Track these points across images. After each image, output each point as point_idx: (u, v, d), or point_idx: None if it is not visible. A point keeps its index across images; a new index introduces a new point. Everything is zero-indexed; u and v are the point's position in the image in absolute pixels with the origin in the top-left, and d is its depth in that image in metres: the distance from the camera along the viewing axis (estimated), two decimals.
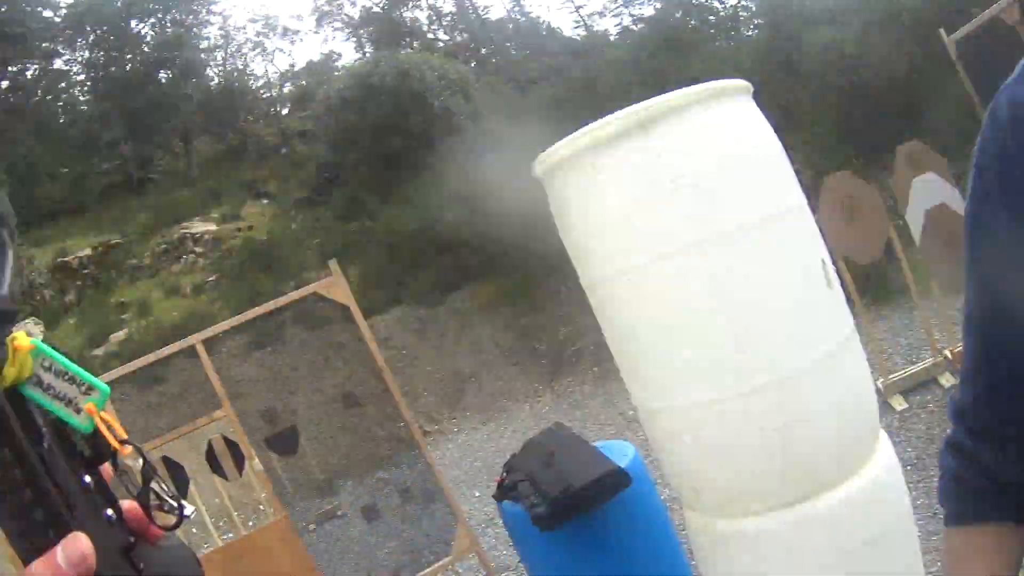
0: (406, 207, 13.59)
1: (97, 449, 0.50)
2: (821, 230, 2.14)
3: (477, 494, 5.55)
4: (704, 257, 1.91)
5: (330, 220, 15.32)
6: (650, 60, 14.28)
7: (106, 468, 0.51)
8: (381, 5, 22.94)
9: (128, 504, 0.52)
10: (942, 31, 6.11)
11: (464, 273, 12.06)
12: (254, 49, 23.44)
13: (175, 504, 0.52)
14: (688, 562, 2.90)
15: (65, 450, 0.48)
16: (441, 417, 10.39)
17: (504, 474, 2.99)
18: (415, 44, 21.62)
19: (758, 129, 2.07)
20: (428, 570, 4.64)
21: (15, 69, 19.41)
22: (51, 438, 0.47)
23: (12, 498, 0.42)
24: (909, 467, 3.84)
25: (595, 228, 2.07)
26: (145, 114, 18.52)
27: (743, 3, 17.21)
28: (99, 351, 13.03)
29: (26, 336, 0.46)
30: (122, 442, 0.50)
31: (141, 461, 0.50)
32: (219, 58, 22.64)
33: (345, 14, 23.71)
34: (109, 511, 0.50)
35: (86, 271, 16.06)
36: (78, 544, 0.43)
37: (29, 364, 0.46)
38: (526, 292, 10.38)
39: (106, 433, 0.48)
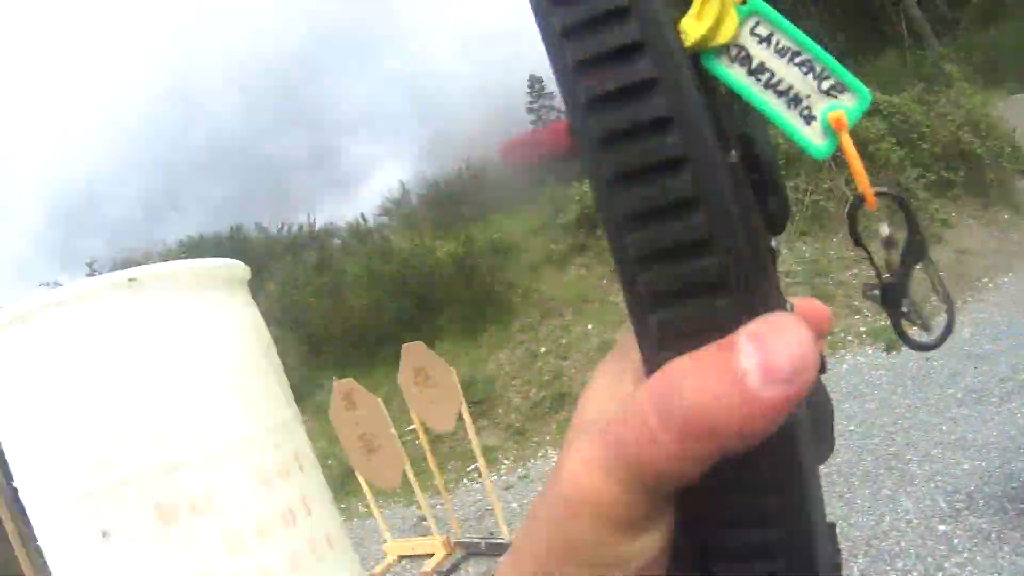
0: None
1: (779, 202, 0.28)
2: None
3: None
4: None
5: None
6: None
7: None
8: None
9: (802, 301, 0.31)
10: None
11: None
12: None
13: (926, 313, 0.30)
14: None
15: (751, 183, 0.27)
16: None
17: None
18: None
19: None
20: None
21: None
22: (742, 155, 0.27)
23: (660, 225, 0.25)
24: None
25: None
26: None
27: None
28: None
29: None
30: (876, 193, 0.28)
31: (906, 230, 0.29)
32: None
33: None
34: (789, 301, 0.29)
35: None
36: (790, 333, 0.23)
37: (733, 25, 0.26)
38: None
39: (858, 171, 0.27)
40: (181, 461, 1.40)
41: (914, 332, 0.32)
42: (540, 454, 7.43)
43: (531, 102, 22.34)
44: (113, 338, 1.54)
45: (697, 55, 0.27)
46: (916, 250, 0.31)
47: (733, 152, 0.26)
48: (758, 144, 0.28)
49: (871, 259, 0.31)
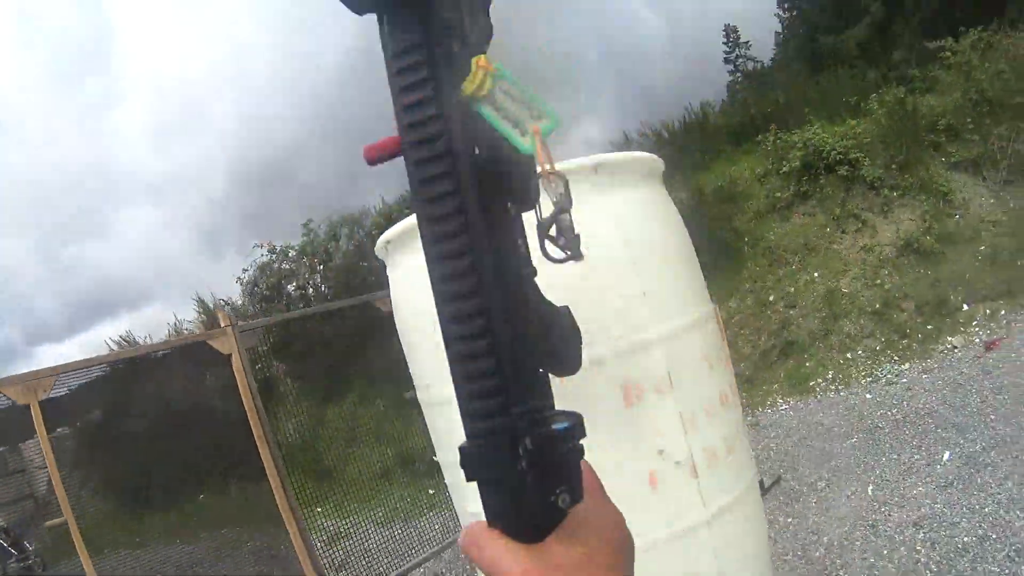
0: None
1: (526, 187, 0.50)
2: None
3: None
4: None
5: None
6: None
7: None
8: None
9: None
10: None
11: None
12: None
13: (573, 240, 0.52)
14: None
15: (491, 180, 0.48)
16: None
17: None
18: None
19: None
20: None
21: None
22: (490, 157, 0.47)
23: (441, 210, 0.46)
24: None
25: None
26: None
27: None
28: None
29: (489, 60, 0.46)
30: (549, 172, 0.49)
31: (562, 190, 0.50)
32: None
33: None
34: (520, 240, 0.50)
35: None
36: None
37: (488, 84, 0.46)
38: None
39: (542, 155, 0.47)
40: (648, 340, 1.73)
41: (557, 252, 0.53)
42: (768, 402, 7.47)
43: (727, 52, 21.11)
44: (582, 218, 1.80)
45: (467, 100, 0.46)
46: (564, 204, 0.50)
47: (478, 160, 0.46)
48: (501, 151, 0.47)
49: (536, 210, 0.50)
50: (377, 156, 0.51)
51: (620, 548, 0.52)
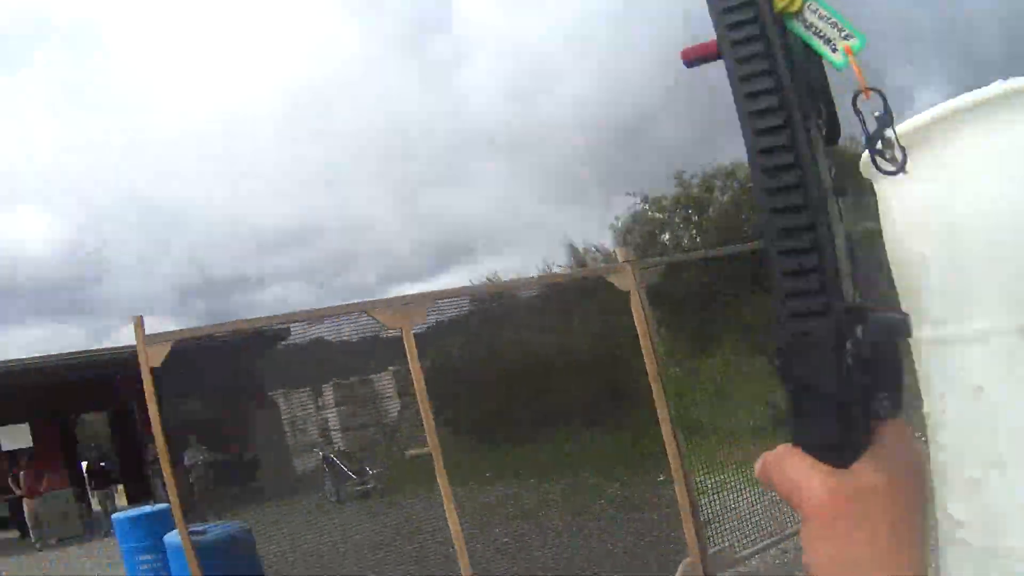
0: None
1: (832, 114, 0.54)
2: None
3: None
4: None
5: None
6: None
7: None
8: None
9: None
10: None
11: None
12: None
13: (898, 154, 0.52)
14: None
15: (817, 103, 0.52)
16: None
17: None
18: None
19: None
20: None
21: None
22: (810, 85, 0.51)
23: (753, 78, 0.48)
24: None
25: None
26: None
27: None
28: None
29: None
30: (867, 88, 0.50)
31: (882, 106, 0.50)
32: None
33: None
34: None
35: None
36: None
37: (799, 2, 0.51)
38: None
39: (859, 74, 0.51)
40: None
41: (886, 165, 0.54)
42: None
43: None
44: None
45: (781, 16, 0.50)
46: (886, 119, 0.52)
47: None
48: (818, 79, 0.52)
49: (862, 123, 0.53)
50: (695, 57, 0.53)
51: (921, 483, 0.47)
